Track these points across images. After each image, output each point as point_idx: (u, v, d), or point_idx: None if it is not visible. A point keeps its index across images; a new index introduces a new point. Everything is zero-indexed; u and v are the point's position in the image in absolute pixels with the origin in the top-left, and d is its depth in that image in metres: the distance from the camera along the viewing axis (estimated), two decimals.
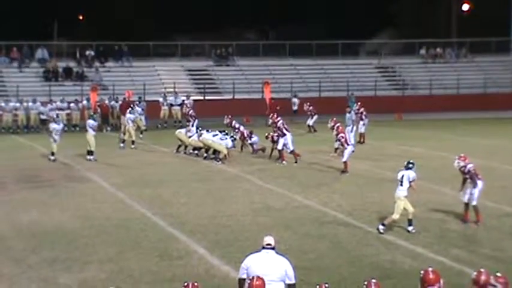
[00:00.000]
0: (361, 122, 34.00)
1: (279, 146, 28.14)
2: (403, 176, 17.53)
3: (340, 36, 54.77)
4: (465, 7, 65.02)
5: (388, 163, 27.31)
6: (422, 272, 9.58)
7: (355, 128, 32.94)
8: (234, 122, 31.68)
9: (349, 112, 34.43)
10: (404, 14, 66.97)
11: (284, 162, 27.87)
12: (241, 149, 30.71)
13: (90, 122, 29.51)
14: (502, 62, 56.36)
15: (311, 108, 39.37)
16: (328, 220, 18.99)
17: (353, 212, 19.78)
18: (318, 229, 17.99)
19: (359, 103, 36.15)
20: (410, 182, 17.51)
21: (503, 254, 15.96)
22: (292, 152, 28.15)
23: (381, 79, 53.38)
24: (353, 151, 26.65)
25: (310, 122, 39.07)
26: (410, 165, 17.74)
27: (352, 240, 17.03)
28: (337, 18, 64.64)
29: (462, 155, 18.87)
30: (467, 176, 18.42)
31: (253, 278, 9.64)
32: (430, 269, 9.59)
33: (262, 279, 9.59)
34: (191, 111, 34.05)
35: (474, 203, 18.29)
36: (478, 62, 56.11)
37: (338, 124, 27.85)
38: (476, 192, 18.28)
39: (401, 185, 17.48)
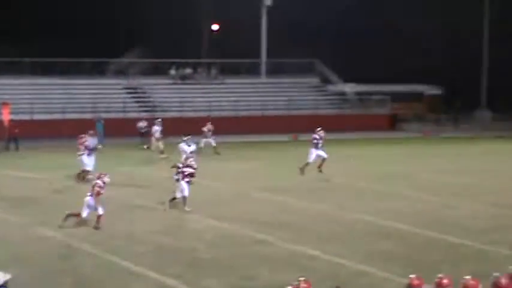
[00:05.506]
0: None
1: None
2: None
3: (87, 54, 51.57)
4: (215, 27, 64.56)
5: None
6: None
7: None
8: None
9: (93, 136, 30.97)
10: (154, 32, 64.98)
11: None
12: None
13: None
14: (252, 84, 56.25)
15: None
16: (72, 253, 17.54)
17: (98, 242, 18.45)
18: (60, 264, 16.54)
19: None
20: None
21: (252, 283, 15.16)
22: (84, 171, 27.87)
23: (129, 100, 51.16)
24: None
25: None
26: None
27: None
28: (84, 37, 61.32)
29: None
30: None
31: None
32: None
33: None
34: None
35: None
36: (228, 83, 55.28)
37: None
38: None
39: None
